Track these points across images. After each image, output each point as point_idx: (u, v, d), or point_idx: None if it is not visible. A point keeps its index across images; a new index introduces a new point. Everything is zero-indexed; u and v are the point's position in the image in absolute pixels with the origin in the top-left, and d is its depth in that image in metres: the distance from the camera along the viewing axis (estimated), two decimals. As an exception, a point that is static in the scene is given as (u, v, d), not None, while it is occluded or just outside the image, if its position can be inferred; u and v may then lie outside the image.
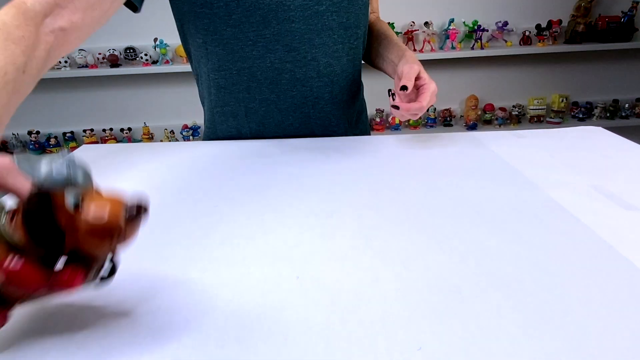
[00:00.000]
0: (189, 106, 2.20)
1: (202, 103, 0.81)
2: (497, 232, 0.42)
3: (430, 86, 0.63)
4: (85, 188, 0.25)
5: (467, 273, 0.36)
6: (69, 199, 0.24)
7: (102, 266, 0.28)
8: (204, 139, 0.82)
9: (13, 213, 0.25)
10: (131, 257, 0.40)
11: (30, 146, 2.05)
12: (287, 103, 0.73)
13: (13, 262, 0.24)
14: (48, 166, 0.24)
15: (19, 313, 0.33)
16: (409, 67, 0.63)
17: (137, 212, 0.25)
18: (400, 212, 0.47)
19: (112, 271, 0.29)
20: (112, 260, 0.29)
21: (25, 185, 0.25)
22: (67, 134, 2.10)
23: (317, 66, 0.71)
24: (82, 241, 0.24)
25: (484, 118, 2.25)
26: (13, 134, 2.07)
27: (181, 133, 2.18)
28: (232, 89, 0.73)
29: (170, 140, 2.19)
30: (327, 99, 0.74)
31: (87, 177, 0.25)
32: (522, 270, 0.36)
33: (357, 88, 0.80)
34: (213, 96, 0.75)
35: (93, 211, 0.24)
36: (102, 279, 0.28)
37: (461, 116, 2.30)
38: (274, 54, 0.68)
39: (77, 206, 0.24)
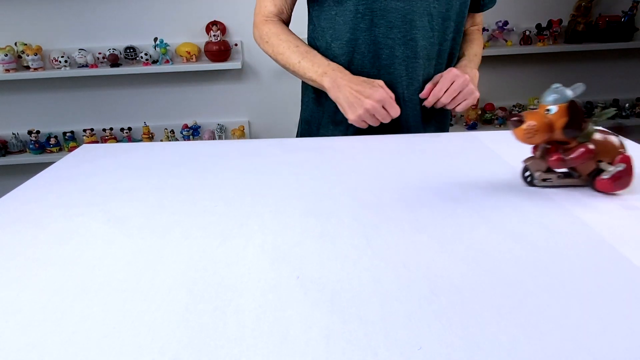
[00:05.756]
0: (189, 106, 2.20)
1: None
2: (497, 232, 0.42)
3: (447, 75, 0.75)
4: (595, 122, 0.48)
5: (467, 273, 0.36)
6: (590, 126, 0.47)
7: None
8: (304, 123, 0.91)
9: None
10: (131, 256, 0.40)
11: (30, 146, 2.05)
12: (384, 79, 0.77)
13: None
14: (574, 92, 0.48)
15: (19, 311, 0.33)
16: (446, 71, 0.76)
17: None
18: (400, 212, 0.47)
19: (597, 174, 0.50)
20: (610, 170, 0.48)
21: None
22: (67, 134, 2.10)
23: (415, 47, 0.75)
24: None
25: (484, 118, 2.25)
26: (13, 134, 2.07)
27: (181, 133, 2.18)
28: (340, 59, 0.78)
29: (170, 140, 2.19)
30: (420, 82, 0.79)
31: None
32: (522, 271, 0.36)
33: None
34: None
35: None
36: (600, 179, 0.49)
37: (461, 116, 2.30)
38: (378, 28, 0.74)
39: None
